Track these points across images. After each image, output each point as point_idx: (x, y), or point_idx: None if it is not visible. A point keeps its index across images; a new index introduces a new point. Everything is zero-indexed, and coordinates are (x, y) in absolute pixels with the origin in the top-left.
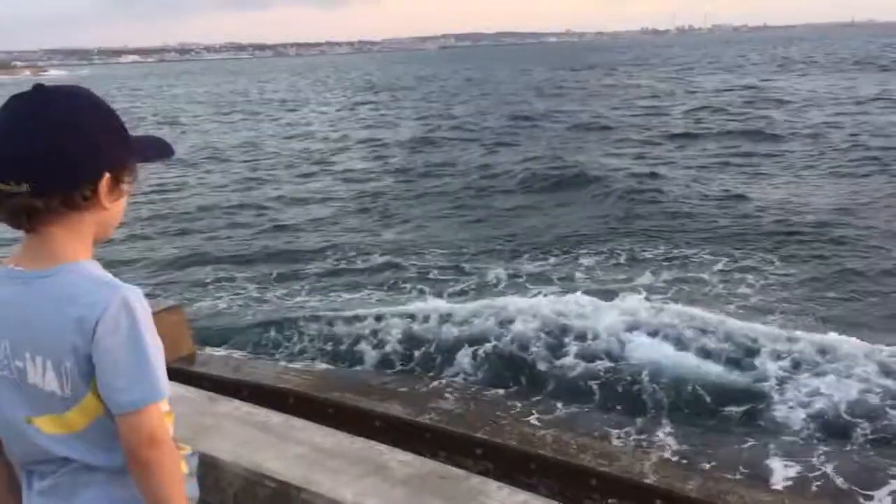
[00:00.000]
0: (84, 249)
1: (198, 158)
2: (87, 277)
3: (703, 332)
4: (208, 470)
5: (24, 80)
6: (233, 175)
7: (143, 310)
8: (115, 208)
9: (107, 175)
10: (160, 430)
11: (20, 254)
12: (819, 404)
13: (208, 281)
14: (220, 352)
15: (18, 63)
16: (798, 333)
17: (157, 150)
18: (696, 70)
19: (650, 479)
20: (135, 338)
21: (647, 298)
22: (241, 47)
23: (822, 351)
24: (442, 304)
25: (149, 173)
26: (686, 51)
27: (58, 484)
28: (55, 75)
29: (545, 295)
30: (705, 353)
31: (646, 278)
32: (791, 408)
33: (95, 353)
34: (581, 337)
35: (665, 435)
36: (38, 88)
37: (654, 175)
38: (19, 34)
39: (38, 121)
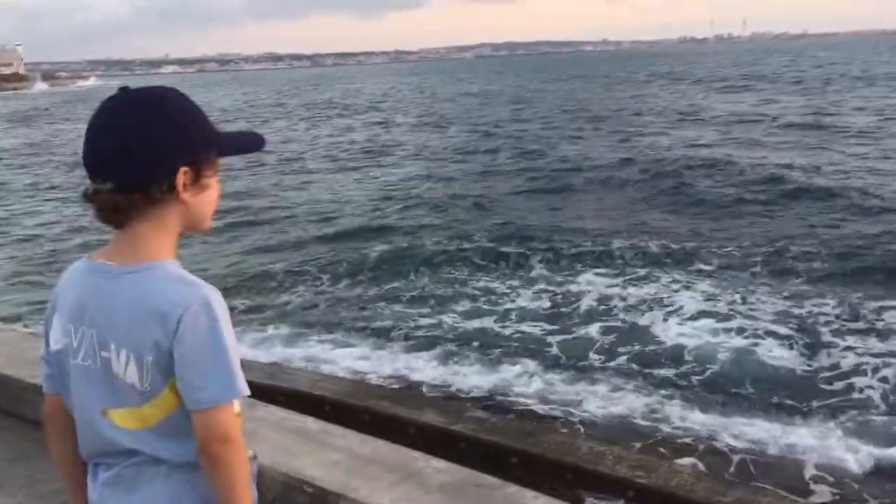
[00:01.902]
0: (169, 246)
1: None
2: (171, 275)
3: (747, 331)
4: None
5: (73, 89)
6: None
7: (223, 309)
8: (199, 201)
9: (183, 169)
10: (233, 428)
11: (110, 249)
12: (866, 411)
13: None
14: (257, 358)
15: (63, 74)
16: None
17: (241, 144)
18: None
19: (687, 492)
20: (215, 336)
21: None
22: (278, 57)
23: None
24: (489, 308)
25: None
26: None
27: (121, 475)
28: (92, 85)
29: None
30: (750, 354)
31: (693, 276)
32: (834, 416)
33: (176, 349)
34: (628, 341)
35: (704, 446)
36: (123, 90)
37: None
38: (64, 46)
39: (118, 120)
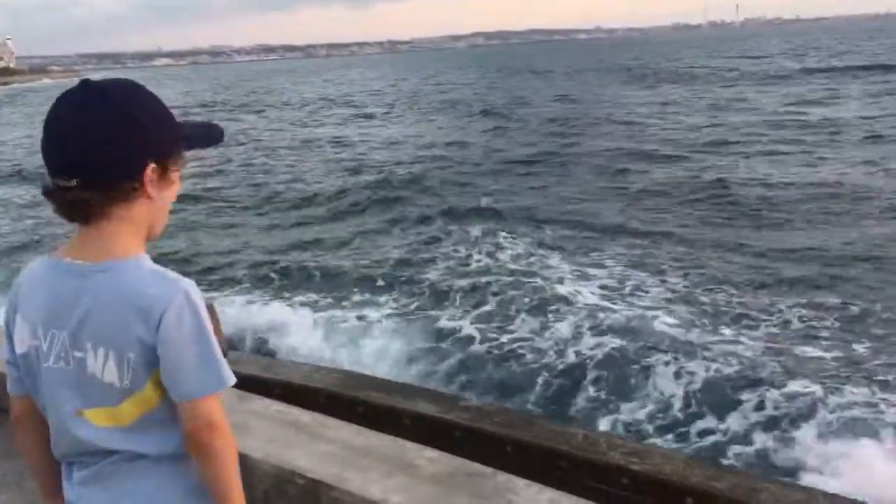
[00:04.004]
0: (138, 243)
1: None
2: (147, 271)
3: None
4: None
5: (68, 83)
6: None
7: (202, 302)
8: (164, 198)
9: (151, 165)
10: (218, 416)
11: (74, 247)
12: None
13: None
14: (249, 351)
15: (55, 67)
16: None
17: (206, 136)
18: None
19: (681, 478)
20: (199, 330)
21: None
22: (271, 49)
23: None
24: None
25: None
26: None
27: (99, 473)
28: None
29: (578, 291)
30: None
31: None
32: (827, 402)
33: (161, 345)
34: (610, 331)
35: (696, 432)
36: (84, 83)
37: None
38: (55, 40)
39: (83, 115)
